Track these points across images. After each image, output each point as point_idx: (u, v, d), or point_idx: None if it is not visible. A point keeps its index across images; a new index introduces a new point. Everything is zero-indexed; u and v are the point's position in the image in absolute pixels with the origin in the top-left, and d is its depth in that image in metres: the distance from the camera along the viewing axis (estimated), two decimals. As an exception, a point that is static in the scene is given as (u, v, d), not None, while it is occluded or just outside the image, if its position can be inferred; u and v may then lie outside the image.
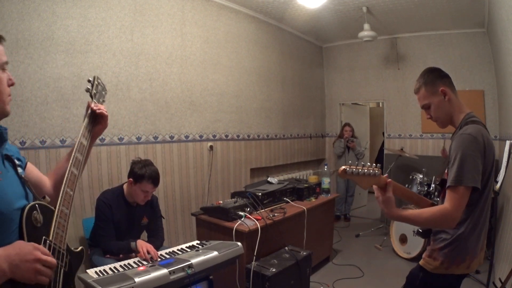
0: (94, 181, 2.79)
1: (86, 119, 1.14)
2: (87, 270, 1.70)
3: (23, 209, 0.88)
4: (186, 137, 3.54)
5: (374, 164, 1.28)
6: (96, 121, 1.18)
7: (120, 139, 2.98)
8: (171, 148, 3.39)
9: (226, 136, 4.02)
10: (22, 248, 0.80)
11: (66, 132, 2.60)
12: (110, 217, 2.24)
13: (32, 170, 1.12)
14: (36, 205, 0.91)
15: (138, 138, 3.12)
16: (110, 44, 2.88)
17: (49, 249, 0.87)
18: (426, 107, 1.51)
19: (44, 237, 0.88)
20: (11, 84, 0.98)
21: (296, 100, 5.31)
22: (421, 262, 1.52)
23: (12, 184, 0.93)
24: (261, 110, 4.55)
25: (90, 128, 1.15)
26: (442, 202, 1.48)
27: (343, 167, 1.25)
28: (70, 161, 1.02)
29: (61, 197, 0.96)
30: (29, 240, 0.85)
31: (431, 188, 3.81)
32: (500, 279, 2.40)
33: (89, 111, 1.16)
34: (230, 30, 4.04)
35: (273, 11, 4.35)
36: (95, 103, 1.19)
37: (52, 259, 0.85)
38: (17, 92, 2.29)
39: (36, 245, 0.84)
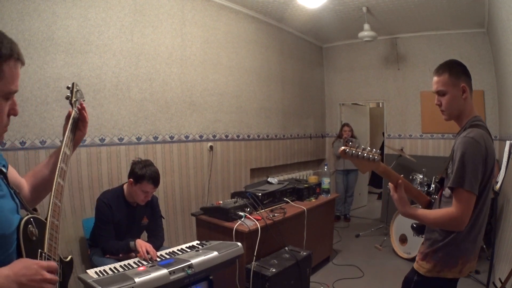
0: (94, 181, 2.79)
1: (69, 130, 1.13)
2: (87, 270, 1.70)
3: (18, 224, 0.88)
4: (186, 137, 3.54)
5: (374, 150, 1.29)
6: (76, 127, 1.17)
7: (120, 139, 2.98)
8: (171, 148, 3.39)
9: (226, 136, 4.02)
10: (29, 267, 0.81)
11: (66, 132, 2.60)
12: (110, 217, 2.24)
13: (12, 174, 1.09)
14: (31, 219, 0.90)
15: (138, 138, 3.11)
16: (110, 44, 2.88)
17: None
18: (441, 93, 1.49)
19: (40, 250, 0.89)
20: (13, 114, 0.92)
21: (296, 100, 5.31)
22: (415, 265, 1.54)
23: (7, 200, 0.92)
24: (261, 110, 4.55)
25: (72, 137, 1.14)
26: (440, 200, 1.51)
27: (343, 147, 1.27)
28: (57, 172, 1.01)
29: (51, 208, 0.95)
30: (26, 254, 0.86)
31: (431, 188, 3.81)
32: (500, 279, 2.40)
33: (71, 120, 1.14)
34: (230, 30, 4.04)
35: (273, 11, 4.35)
36: (76, 109, 1.18)
37: (56, 278, 0.87)
38: (17, 92, 2.29)
39: (42, 263, 0.84)
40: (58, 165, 1.03)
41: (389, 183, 1.45)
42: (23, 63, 0.91)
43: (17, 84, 0.90)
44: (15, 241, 0.87)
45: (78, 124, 1.18)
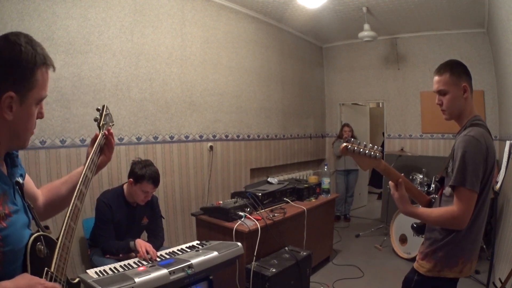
0: (94, 181, 2.76)
1: (94, 154, 1.12)
2: (87, 270, 1.70)
3: (27, 239, 0.87)
4: (186, 137, 3.54)
5: (375, 146, 1.29)
6: (101, 152, 1.17)
7: (120, 139, 2.98)
8: (171, 148, 3.39)
9: (226, 136, 4.02)
10: (33, 286, 0.80)
11: (66, 132, 2.60)
12: (110, 217, 2.24)
13: (29, 184, 1.07)
14: (41, 237, 0.89)
15: (138, 138, 3.11)
16: (110, 44, 2.88)
17: (50, 280, 0.87)
18: (442, 93, 1.49)
19: (46, 268, 0.88)
20: (40, 117, 0.93)
21: (296, 100, 5.31)
22: (415, 265, 1.54)
23: (21, 215, 0.91)
24: (261, 110, 4.55)
25: (96, 160, 1.14)
26: (440, 199, 1.51)
27: (345, 144, 1.26)
28: (75, 194, 1.00)
29: (64, 230, 0.94)
30: (32, 271, 0.85)
31: (431, 188, 3.81)
32: (500, 279, 2.40)
33: (96, 144, 1.13)
34: (230, 30, 4.04)
35: (273, 11, 4.35)
36: (104, 133, 1.17)
37: None
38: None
39: (47, 284, 0.83)
40: (78, 187, 1.01)
41: (390, 182, 1.46)
42: (53, 68, 0.91)
43: (47, 89, 0.90)
44: (22, 255, 0.86)
45: (103, 149, 1.17)
